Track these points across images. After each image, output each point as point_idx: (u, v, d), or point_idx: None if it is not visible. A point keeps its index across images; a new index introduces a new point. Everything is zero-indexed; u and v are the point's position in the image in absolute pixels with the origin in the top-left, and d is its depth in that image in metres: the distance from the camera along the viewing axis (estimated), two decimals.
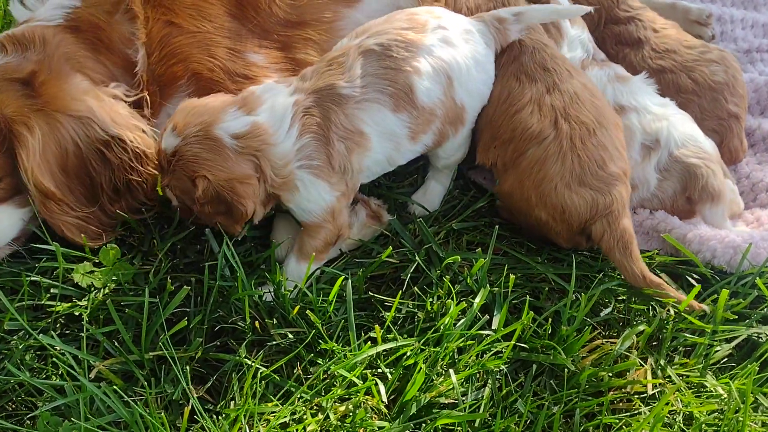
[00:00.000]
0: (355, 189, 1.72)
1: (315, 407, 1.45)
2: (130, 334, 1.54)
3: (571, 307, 1.58)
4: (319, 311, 1.57)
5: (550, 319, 1.59)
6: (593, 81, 1.92)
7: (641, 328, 1.58)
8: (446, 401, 1.46)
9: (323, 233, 1.67)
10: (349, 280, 1.59)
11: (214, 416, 1.43)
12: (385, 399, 1.44)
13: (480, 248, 1.71)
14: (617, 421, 1.46)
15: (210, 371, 1.54)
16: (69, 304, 1.61)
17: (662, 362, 1.57)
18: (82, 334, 1.55)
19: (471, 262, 1.72)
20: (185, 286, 1.56)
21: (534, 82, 1.76)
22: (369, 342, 1.55)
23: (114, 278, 1.64)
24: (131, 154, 1.70)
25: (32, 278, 1.64)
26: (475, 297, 1.60)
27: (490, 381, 1.50)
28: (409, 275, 1.69)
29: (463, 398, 1.46)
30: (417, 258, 1.71)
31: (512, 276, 1.62)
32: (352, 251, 1.79)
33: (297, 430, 1.40)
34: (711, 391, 1.53)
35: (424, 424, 1.43)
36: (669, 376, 1.56)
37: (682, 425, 1.48)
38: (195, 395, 1.43)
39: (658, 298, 1.64)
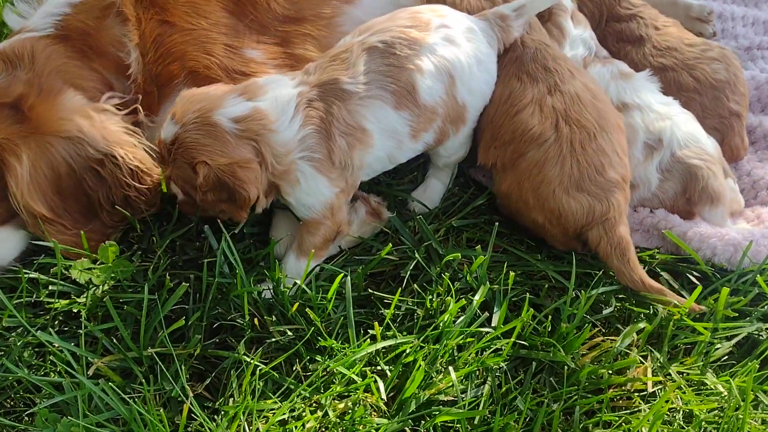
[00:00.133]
0: (354, 186, 1.71)
1: (314, 404, 1.45)
2: (129, 331, 1.54)
3: (571, 305, 1.58)
4: (319, 308, 1.57)
5: (549, 317, 1.59)
6: (596, 78, 1.92)
7: (641, 325, 1.57)
8: (446, 398, 1.46)
9: (322, 230, 1.67)
10: (349, 277, 1.58)
11: (213, 413, 1.43)
12: (384, 396, 1.44)
13: (480, 245, 1.71)
14: (617, 418, 1.46)
15: (209, 368, 1.53)
16: (67, 301, 1.61)
17: (662, 360, 1.57)
18: (81, 331, 1.54)
19: (471, 260, 1.71)
20: (184, 283, 1.56)
21: (535, 83, 1.76)
22: (368, 339, 1.54)
23: (113, 275, 1.64)
24: (125, 171, 1.69)
25: (30, 275, 1.64)
26: (474, 294, 1.60)
27: (489, 378, 1.49)
28: (408, 272, 1.69)
29: (463, 395, 1.46)
30: (417, 255, 1.71)
31: (512, 273, 1.62)
32: (351, 248, 1.79)
33: (296, 427, 1.39)
34: (711, 389, 1.53)
35: (423, 422, 1.43)
36: (669, 374, 1.55)
37: (681, 423, 1.48)
38: (193, 392, 1.43)
39: (657, 303, 1.64)
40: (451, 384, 1.45)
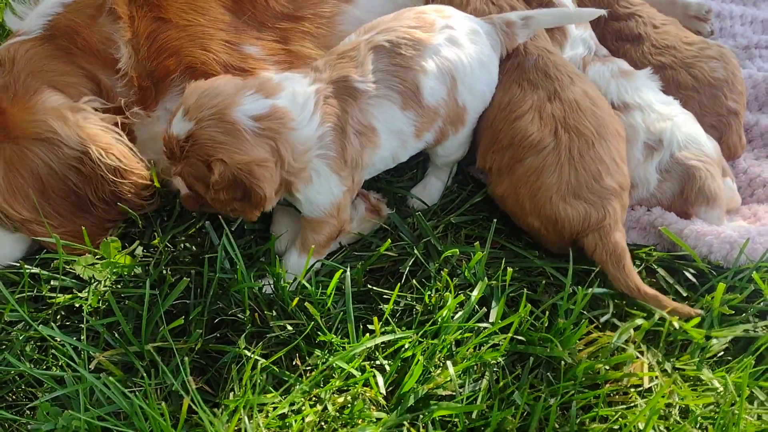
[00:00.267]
0: (359, 185, 1.72)
1: (313, 398, 1.46)
2: (130, 326, 1.55)
3: (568, 301, 1.59)
4: (318, 303, 1.58)
5: (547, 312, 1.60)
6: (596, 77, 1.93)
7: (638, 322, 1.59)
8: (444, 393, 1.47)
9: (327, 229, 1.68)
10: (348, 273, 1.59)
11: (214, 407, 1.44)
12: (383, 390, 1.45)
13: (478, 242, 1.72)
14: (613, 413, 1.47)
15: (209, 363, 1.55)
16: (69, 296, 1.62)
17: (659, 356, 1.58)
18: (82, 326, 1.56)
19: (469, 256, 1.73)
20: (185, 278, 1.57)
21: (535, 89, 1.77)
22: (367, 334, 1.55)
23: (114, 270, 1.65)
24: (104, 168, 1.70)
25: (32, 270, 1.65)
26: (473, 290, 1.61)
27: (487, 373, 1.51)
28: (407, 268, 1.70)
29: (461, 390, 1.47)
30: (416, 251, 1.72)
31: (510, 269, 1.63)
32: (351, 244, 1.80)
33: (295, 421, 1.41)
34: (707, 385, 1.54)
35: (421, 416, 1.44)
36: (665, 370, 1.56)
37: (677, 418, 1.49)
38: (194, 386, 1.44)
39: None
40: (449, 378, 1.47)
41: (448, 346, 1.53)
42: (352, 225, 1.77)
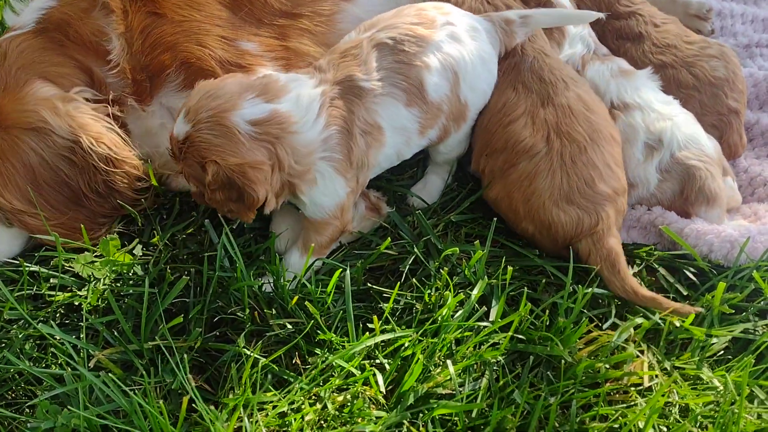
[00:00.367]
0: (363, 185, 1.72)
1: (313, 397, 1.46)
2: (130, 324, 1.55)
3: (568, 299, 1.59)
4: (318, 302, 1.58)
5: (547, 311, 1.60)
6: (596, 76, 1.93)
7: (638, 321, 1.58)
8: (443, 392, 1.47)
9: (330, 230, 1.68)
10: (348, 272, 1.59)
11: (213, 405, 1.44)
12: (382, 389, 1.45)
13: (478, 240, 1.72)
14: (613, 412, 1.47)
15: (209, 361, 1.54)
16: (69, 294, 1.62)
17: (659, 355, 1.58)
18: (82, 324, 1.56)
19: (469, 254, 1.72)
20: (184, 277, 1.57)
21: (530, 94, 1.77)
22: (367, 333, 1.55)
23: (114, 268, 1.65)
24: (96, 157, 1.69)
25: (31, 268, 1.65)
26: (473, 289, 1.61)
27: (487, 372, 1.50)
28: (407, 267, 1.70)
29: (461, 389, 1.47)
30: (415, 250, 1.72)
31: (510, 268, 1.63)
32: (351, 243, 1.80)
33: (295, 419, 1.40)
34: (707, 384, 1.54)
35: (421, 414, 1.44)
36: (665, 369, 1.56)
37: (677, 417, 1.49)
38: (194, 385, 1.44)
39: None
40: (449, 377, 1.46)
41: (448, 345, 1.53)
42: (352, 224, 1.77)
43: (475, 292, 1.59)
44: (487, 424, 1.42)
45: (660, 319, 1.61)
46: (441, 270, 1.66)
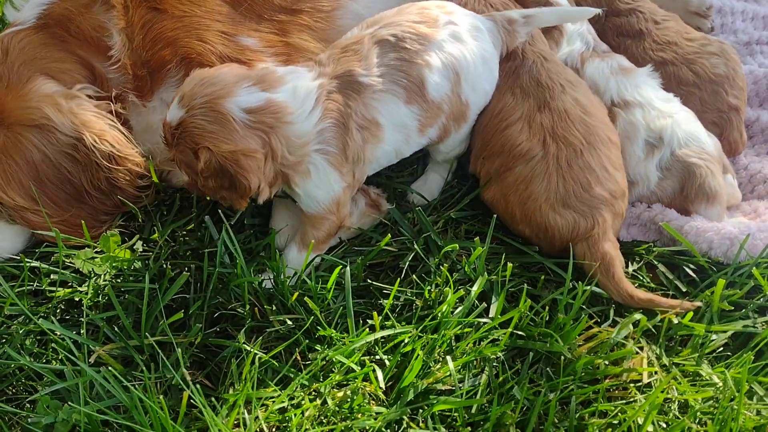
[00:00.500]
0: (361, 181, 1.72)
1: (313, 393, 1.46)
2: (130, 320, 1.55)
3: (567, 296, 1.59)
4: (318, 298, 1.58)
5: (547, 308, 1.60)
6: (595, 74, 1.93)
7: (637, 317, 1.59)
8: (443, 388, 1.47)
9: (326, 225, 1.68)
10: (348, 268, 1.59)
11: (213, 401, 1.44)
12: (382, 385, 1.46)
13: (478, 237, 1.72)
14: (613, 408, 1.47)
15: (209, 357, 1.55)
16: (69, 290, 1.62)
17: (658, 351, 1.58)
18: (82, 320, 1.56)
19: (469, 251, 1.73)
20: (185, 273, 1.58)
21: (527, 98, 1.78)
22: (367, 329, 1.55)
23: (114, 264, 1.65)
24: (98, 154, 1.70)
25: (32, 264, 1.65)
26: (472, 285, 1.62)
27: (486, 368, 1.51)
28: (407, 263, 1.70)
29: (460, 385, 1.47)
30: (415, 246, 1.72)
31: (510, 264, 1.63)
32: (351, 239, 1.80)
33: (295, 415, 1.41)
34: (706, 380, 1.54)
35: (421, 410, 1.44)
36: (665, 365, 1.57)
37: (677, 413, 1.49)
38: (194, 380, 1.44)
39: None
40: (448, 373, 1.47)
41: (448, 341, 1.53)
42: (352, 220, 1.77)
43: (475, 289, 1.59)
44: (487, 419, 1.42)
45: (659, 316, 1.62)
46: (441, 266, 1.66)
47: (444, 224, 1.83)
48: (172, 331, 1.50)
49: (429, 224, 1.78)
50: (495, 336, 1.55)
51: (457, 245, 1.71)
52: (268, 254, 1.70)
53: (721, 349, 1.62)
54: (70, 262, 1.66)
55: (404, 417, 1.43)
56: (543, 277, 1.70)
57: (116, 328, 1.55)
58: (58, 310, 1.62)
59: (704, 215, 1.83)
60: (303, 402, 1.44)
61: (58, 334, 1.52)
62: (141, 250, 1.71)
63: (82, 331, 1.54)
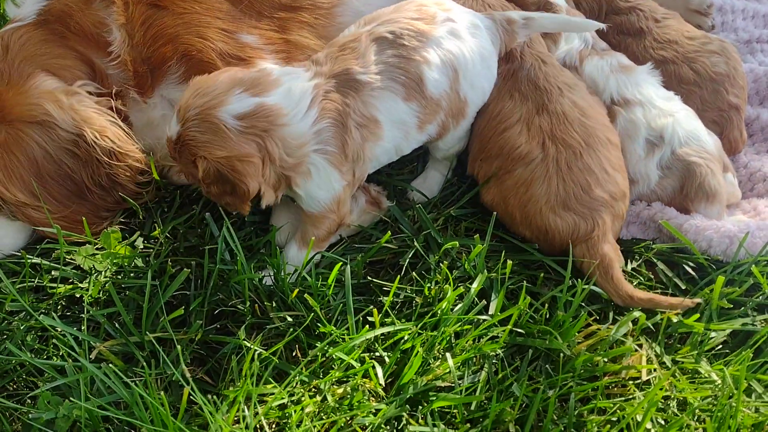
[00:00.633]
0: (361, 179, 1.72)
1: (313, 389, 1.46)
2: (131, 316, 1.56)
3: (567, 293, 1.59)
4: (318, 295, 1.58)
5: (546, 305, 1.60)
6: (594, 72, 1.93)
7: (636, 314, 1.59)
8: (443, 384, 1.47)
9: (327, 223, 1.68)
10: (348, 265, 1.60)
11: (213, 397, 1.45)
12: (382, 382, 1.46)
13: (478, 234, 1.73)
14: (612, 405, 1.48)
15: (209, 353, 1.55)
16: (70, 286, 1.62)
17: (657, 348, 1.59)
18: (83, 316, 1.56)
19: (469, 248, 1.73)
20: (185, 269, 1.58)
21: (525, 101, 1.78)
22: (367, 326, 1.55)
23: (115, 261, 1.65)
24: (99, 151, 1.70)
25: (33, 260, 1.65)
26: (472, 282, 1.62)
27: (486, 365, 1.51)
28: (407, 260, 1.71)
29: (460, 382, 1.48)
30: (416, 244, 1.73)
31: (509, 262, 1.63)
32: (351, 237, 1.81)
33: (295, 411, 1.41)
34: (705, 377, 1.55)
35: (420, 407, 1.45)
36: (664, 362, 1.57)
37: (675, 410, 1.49)
38: (194, 377, 1.45)
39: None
40: (448, 370, 1.47)
41: (448, 338, 1.53)
42: (352, 217, 1.77)
43: (475, 286, 1.60)
44: (486, 416, 1.42)
45: (659, 315, 1.62)
46: (441, 264, 1.66)
47: (444, 222, 1.83)
48: (172, 327, 1.50)
49: (429, 222, 1.78)
50: (494, 333, 1.56)
51: (456, 242, 1.71)
52: (268, 251, 1.70)
53: (720, 346, 1.62)
54: (71, 259, 1.66)
55: (404, 413, 1.43)
56: (542, 274, 1.70)
57: (117, 325, 1.55)
58: (59, 307, 1.62)
59: (704, 214, 1.83)
60: (303, 398, 1.44)
61: (59, 330, 1.52)
62: (142, 246, 1.72)
63: (83, 328, 1.55)
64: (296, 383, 1.45)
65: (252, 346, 1.47)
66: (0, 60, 1.74)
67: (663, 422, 1.47)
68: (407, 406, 1.44)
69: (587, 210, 1.69)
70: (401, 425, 1.42)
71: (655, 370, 1.55)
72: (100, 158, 1.70)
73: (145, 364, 1.47)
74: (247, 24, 1.87)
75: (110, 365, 1.44)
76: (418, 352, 1.47)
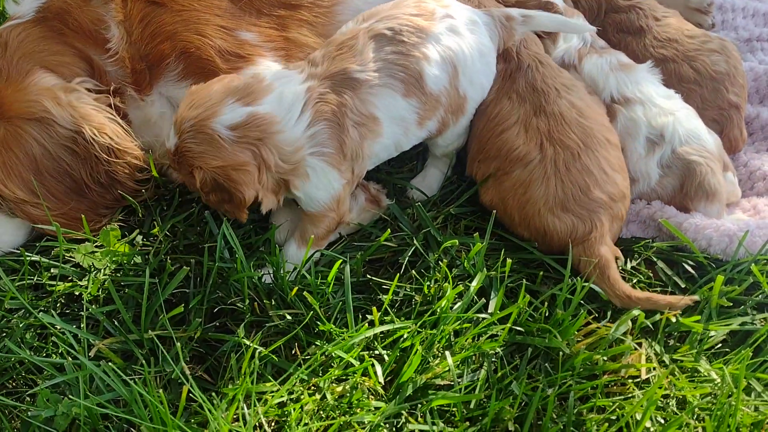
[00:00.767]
0: (360, 176, 1.72)
1: (312, 387, 1.46)
2: (130, 314, 1.56)
3: (566, 292, 1.59)
4: (318, 293, 1.58)
5: (546, 303, 1.60)
6: (594, 70, 1.93)
7: (636, 313, 1.59)
8: (442, 383, 1.47)
9: (326, 222, 1.69)
10: (348, 263, 1.60)
11: (213, 395, 1.45)
12: (381, 380, 1.46)
13: (477, 233, 1.73)
14: (611, 404, 1.48)
15: (209, 351, 1.55)
16: (69, 284, 1.62)
17: (657, 347, 1.59)
18: (82, 314, 1.56)
19: (468, 247, 1.73)
20: (185, 267, 1.58)
21: (523, 103, 1.78)
22: (366, 324, 1.56)
23: (114, 259, 1.65)
24: (98, 148, 1.70)
25: (32, 258, 1.65)
26: (472, 281, 1.62)
27: (485, 363, 1.51)
28: (407, 259, 1.70)
29: (459, 380, 1.48)
30: (415, 242, 1.73)
31: (509, 260, 1.63)
32: (350, 235, 1.81)
33: (294, 409, 1.41)
34: (704, 376, 1.54)
35: (419, 405, 1.45)
36: (663, 361, 1.57)
37: (675, 409, 1.49)
38: (193, 375, 1.45)
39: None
40: (447, 368, 1.47)
41: (447, 337, 1.53)
42: (351, 215, 1.77)
43: (474, 284, 1.59)
44: (485, 414, 1.42)
45: (659, 315, 1.62)
46: (440, 262, 1.66)
47: (443, 220, 1.83)
48: (171, 325, 1.50)
49: (428, 220, 1.78)
50: (494, 331, 1.56)
51: (456, 241, 1.71)
52: (267, 249, 1.70)
53: (720, 345, 1.62)
54: (71, 256, 1.66)
55: (403, 412, 1.43)
56: (542, 273, 1.70)
57: (116, 322, 1.55)
58: (58, 304, 1.62)
59: (704, 213, 1.83)
60: (302, 396, 1.44)
61: (58, 327, 1.52)
62: (141, 244, 1.72)
63: (82, 325, 1.55)
64: (295, 381, 1.45)
65: (251, 344, 1.47)
66: None
67: (662, 421, 1.47)
68: (406, 404, 1.44)
69: (585, 211, 1.69)
70: (400, 423, 1.42)
71: (654, 368, 1.55)
72: (98, 155, 1.70)
73: (144, 362, 1.47)
74: (246, 21, 1.86)
75: (109, 363, 1.44)
76: (417, 350, 1.47)
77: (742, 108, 2.04)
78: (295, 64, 1.74)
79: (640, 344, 1.59)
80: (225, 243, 1.62)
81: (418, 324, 1.54)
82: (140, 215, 1.80)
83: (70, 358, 1.46)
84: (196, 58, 1.78)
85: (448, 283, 1.61)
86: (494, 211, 1.75)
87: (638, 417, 1.43)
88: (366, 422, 1.40)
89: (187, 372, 1.43)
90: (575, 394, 1.47)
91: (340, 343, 1.49)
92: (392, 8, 1.73)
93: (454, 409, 1.45)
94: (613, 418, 1.45)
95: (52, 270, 1.65)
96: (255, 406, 1.41)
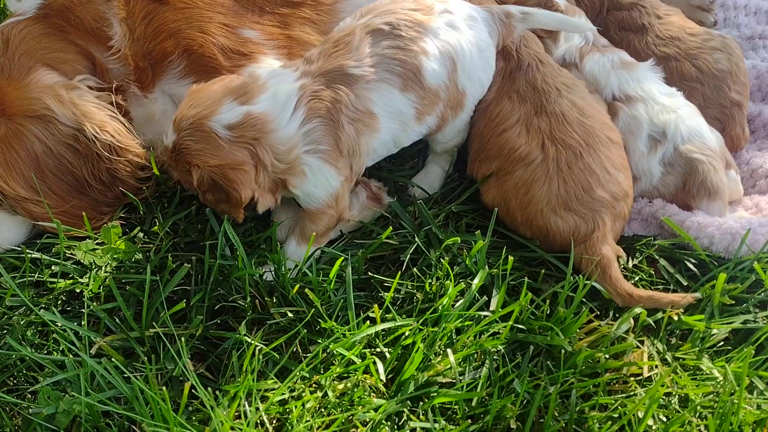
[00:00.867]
0: (359, 173, 1.72)
1: (314, 385, 1.46)
2: (131, 312, 1.55)
3: (568, 289, 1.59)
4: (319, 291, 1.58)
5: (547, 301, 1.60)
6: (595, 68, 1.93)
7: (638, 311, 1.59)
8: (444, 380, 1.47)
9: (325, 219, 1.68)
10: (349, 261, 1.60)
11: (214, 392, 1.45)
12: (383, 377, 1.46)
13: (479, 230, 1.72)
14: (613, 401, 1.47)
15: (210, 349, 1.55)
16: (70, 281, 1.62)
17: (659, 345, 1.58)
18: (83, 311, 1.56)
19: (470, 244, 1.73)
20: (186, 265, 1.58)
21: (524, 103, 1.78)
22: (368, 321, 1.56)
23: (115, 256, 1.65)
24: (99, 145, 1.70)
25: (33, 255, 1.65)
26: (473, 278, 1.61)
27: (487, 361, 1.51)
28: (408, 256, 1.70)
29: (461, 378, 1.47)
30: (416, 239, 1.72)
31: (511, 258, 1.63)
32: (352, 232, 1.80)
33: (296, 407, 1.41)
34: (707, 374, 1.54)
35: (421, 403, 1.44)
36: (665, 359, 1.57)
37: (677, 407, 1.49)
38: (195, 372, 1.44)
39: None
40: (449, 366, 1.47)
41: (449, 334, 1.53)
42: (353, 213, 1.77)
43: (476, 282, 1.59)
44: (487, 412, 1.42)
45: (660, 314, 1.62)
46: (442, 260, 1.66)
47: (445, 217, 1.83)
48: (173, 322, 1.50)
49: (430, 217, 1.78)
50: (495, 329, 1.55)
51: (458, 238, 1.71)
52: (269, 247, 1.70)
53: (722, 343, 1.62)
54: (72, 254, 1.66)
55: (404, 409, 1.43)
56: (543, 271, 1.70)
57: (117, 320, 1.55)
58: (59, 302, 1.62)
59: (706, 211, 1.83)
60: (303, 394, 1.44)
61: (60, 325, 1.52)
62: (142, 241, 1.72)
63: (83, 323, 1.55)
64: (297, 379, 1.45)
65: (253, 342, 1.47)
66: (0, 54, 1.74)
67: (664, 419, 1.46)
68: (408, 402, 1.44)
69: (588, 211, 1.68)
70: (402, 421, 1.42)
71: (656, 366, 1.54)
72: (100, 153, 1.70)
73: (145, 359, 1.47)
74: (248, 19, 1.86)
75: (111, 360, 1.44)
76: (419, 348, 1.47)
77: (744, 106, 2.04)
78: (291, 63, 1.74)
79: (642, 342, 1.59)
80: (226, 240, 1.62)
81: (420, 321, 1.54)
82: (141, 213, 1.80)
83: (71, 356, 1.46)
84: (198, 56, 1.78)
85: (450, 280, 1.61)
86: (495, 209, 1.74)
87: (640, 415, 1.43)
88: (367, 420, 1.40)
89: (191, 368, 1.42)
90: (577, 392, 1.47)
91: (341, 341, 1.49)
92: (390, 3, 1.73)
93: (455, 406, 1.45)
94: (616, 416, 1.45)
95: (53, 267, 1.65)
96: (256, 403, 1.41)
